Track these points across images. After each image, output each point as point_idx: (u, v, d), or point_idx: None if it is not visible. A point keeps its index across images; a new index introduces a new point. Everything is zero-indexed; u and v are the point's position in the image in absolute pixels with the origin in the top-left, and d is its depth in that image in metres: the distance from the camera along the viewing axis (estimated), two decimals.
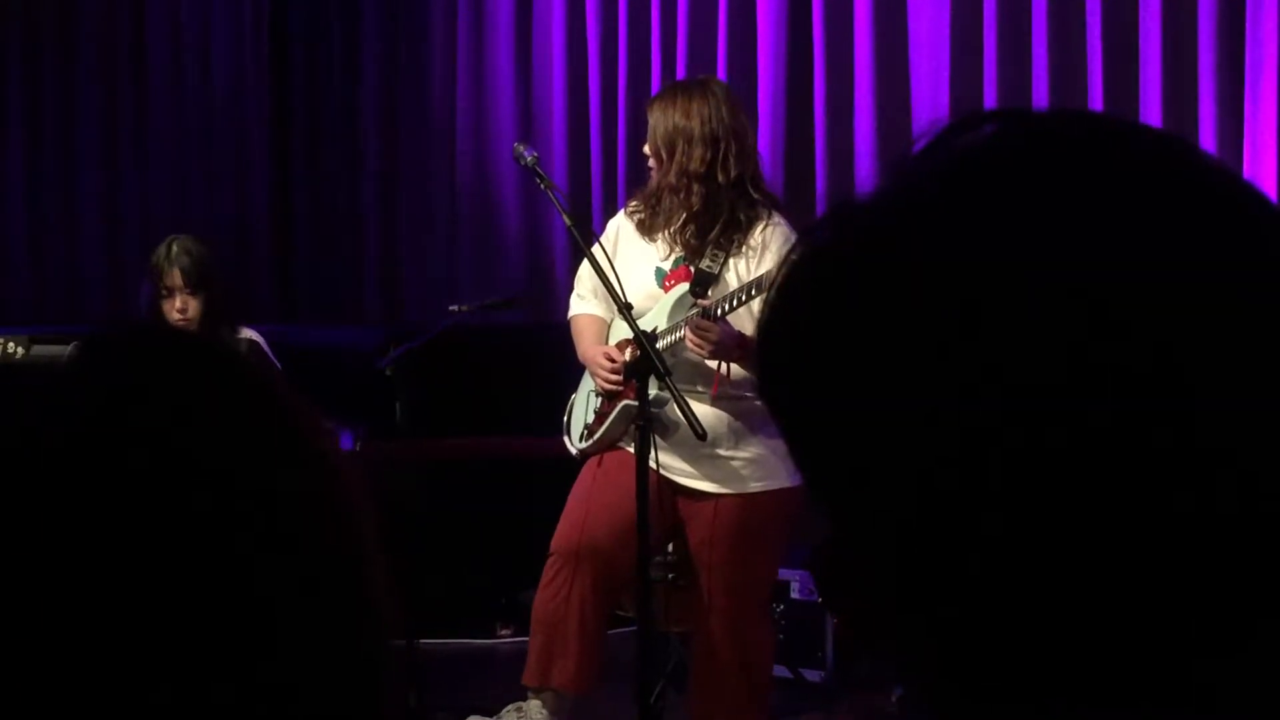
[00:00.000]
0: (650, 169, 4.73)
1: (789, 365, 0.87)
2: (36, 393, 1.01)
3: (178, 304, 5.46)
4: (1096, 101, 6.53)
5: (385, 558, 1.03)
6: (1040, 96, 6.67)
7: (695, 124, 4.60)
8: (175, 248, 5.50)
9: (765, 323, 0.89)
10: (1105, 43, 6.47)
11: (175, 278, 5.46)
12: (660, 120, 4.65)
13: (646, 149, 4.72)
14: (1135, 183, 0.82)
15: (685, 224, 4.64)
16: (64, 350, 3.52)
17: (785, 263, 0.88)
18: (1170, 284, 0.79)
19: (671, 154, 4.62)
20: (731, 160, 4.60)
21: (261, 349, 5.07)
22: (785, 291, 0.88)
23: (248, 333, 5.59)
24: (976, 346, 0.80)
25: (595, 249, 4.56)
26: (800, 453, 0.88)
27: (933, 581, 0.82)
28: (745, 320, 4.54)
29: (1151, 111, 6.31)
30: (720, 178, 4.60)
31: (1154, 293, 0.79)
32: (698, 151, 4.59)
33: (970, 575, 0.81)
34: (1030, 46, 6.70)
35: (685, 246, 4.65)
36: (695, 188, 4.60)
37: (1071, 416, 0.78)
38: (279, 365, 5.38)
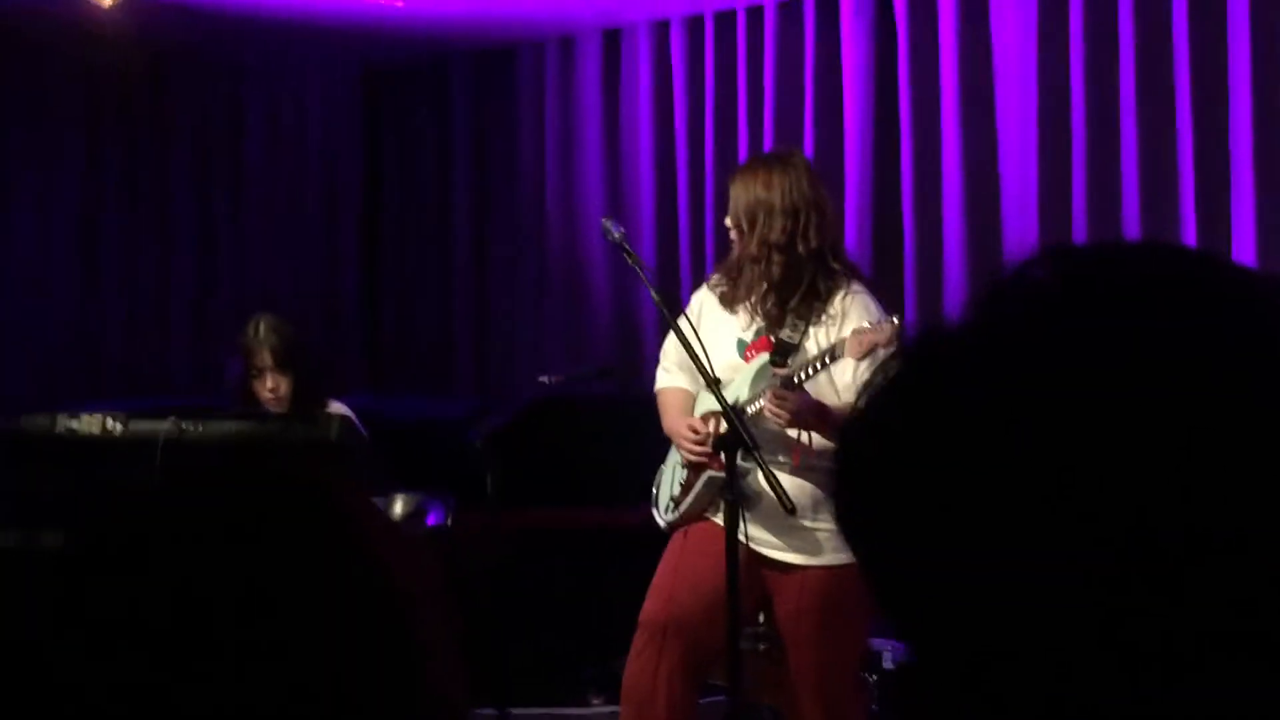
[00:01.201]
0: (733, 241, 4.77)
1: (870, 502, 0.86)
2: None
3: (269, 383, 5.54)
4: (1187, 193, 6.54)
5: (461, 665, 1.06)
6: (1129, 169, 6.67)
7: (776, 196, 4.63)
8: (263, 328, 5.58)
9: (846, 452, 0.88)
10: (1196, 131, 6.50)
11: (265, 358, 5.54)
12: (742, 193, 4.69)
13: (728, 221, 4.75)
14: (1228, 322, 0.82)
15: (766, 294, 4.67)
16: (159, 427, 3.56)
17: (868, 391, 0.88)
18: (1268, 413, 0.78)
19: (753, 225, 4.65)
20: (812, 231, 4.62)
21: (352, 423, 5.13)
22: (868, 424, 0.87)
23: (337, 407, 5.65)
24: (1072, 498, 0.78)
25: (681, 323, 4.60)
26: (877, 585, 0.87)
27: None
28: (825, 388, 4.55)
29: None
30: (800, 248, 4.62)
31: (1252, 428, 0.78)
32: (778, 223, 4.62)
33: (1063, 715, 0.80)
34: (1118, 114, 6.69)
35: (766, 316, 4.67)
36: (776, 258, 4.63)
37: (1166, 570, 0.77)
38: (367, 437, 5.45)
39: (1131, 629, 0.78)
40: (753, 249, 4.65)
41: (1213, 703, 0.77)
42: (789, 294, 4.63)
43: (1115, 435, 0.78)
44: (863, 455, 0.87)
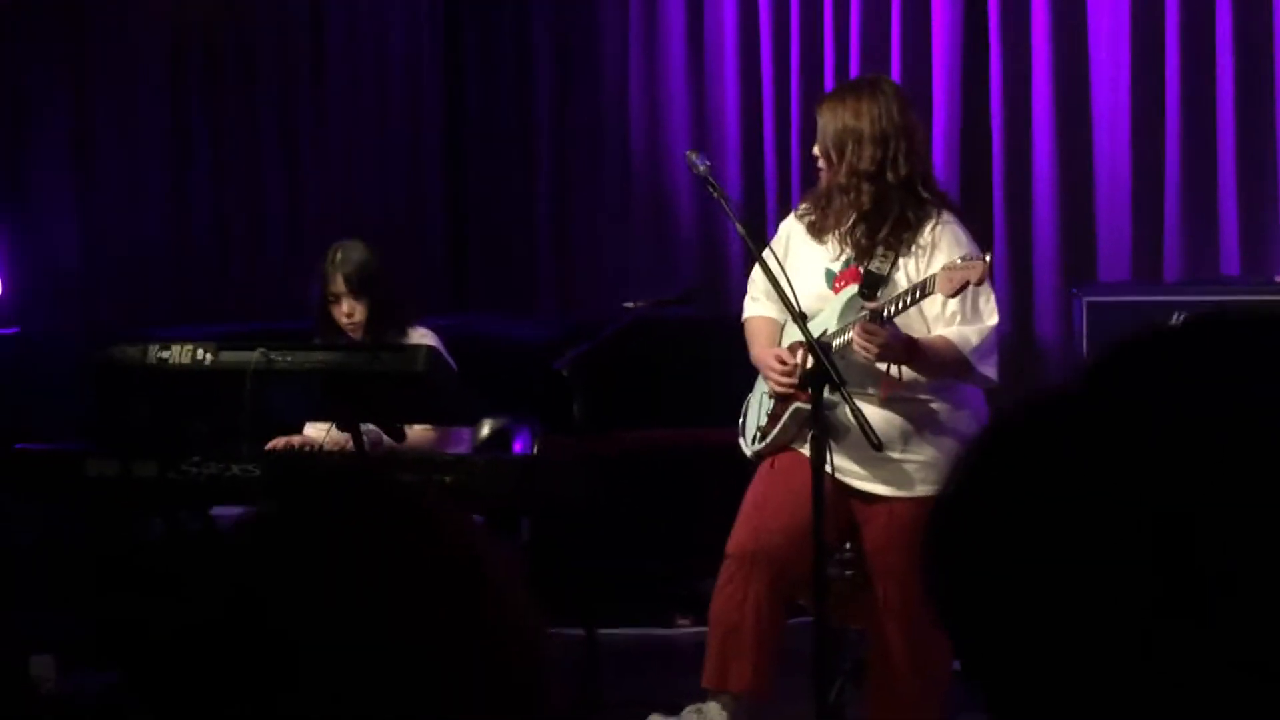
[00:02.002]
0: (820, 170, 4.73)
1: (968, 562, 0.88)
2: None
3: (345, 308, 5.61)
4: None
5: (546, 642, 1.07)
6: (1225, 90, 6.57)
7: (865, 124, 4.58)
8: (340, 254, 5.64)
9: (946, 513, 0.88)
10: None
11: (340, 284, 5.60)
12: (830, 121, 4.65)
13: (816, 150, 4.71)
14: None
15: (855, 224, 4.63)
16: (248, 358, 3.59)
17: (974, 449, 0.88)
18: None
19: (841, 154, 4.61)
20: (901, 159, 4.58)
21: (438, 354, 5.15)
22: (972, 485, 0.88)
23: (421, 331, 5.68)
24: (1176, 564, 0.79)
25: (768, 256, 4.57)
26: (962, 642, 0.88)
27: None
28: (914, 319, 4.53)
29: None
30: (890, 177, 4.58)
31: None
32: (867, 151, 4.57)
33: None
34: (1214, 47, 6.58)
35: (855, 247, 4.63)
36: (865, 187, 4.59)
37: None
38: (454, 365, 5.47)
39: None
40: (841, 178, 4.61)
41: None
42: (878, 224, 4.59)
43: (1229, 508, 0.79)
44: (965, 519, 0.89)
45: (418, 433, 5.54)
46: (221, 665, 0.96)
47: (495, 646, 1.01)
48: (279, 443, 5.55)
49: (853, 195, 4.61)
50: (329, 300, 5.65)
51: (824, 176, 4.70)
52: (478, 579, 1.04)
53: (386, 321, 5.63)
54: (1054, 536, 0.82)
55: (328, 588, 0.98)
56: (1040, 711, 0.84)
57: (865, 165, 4.57)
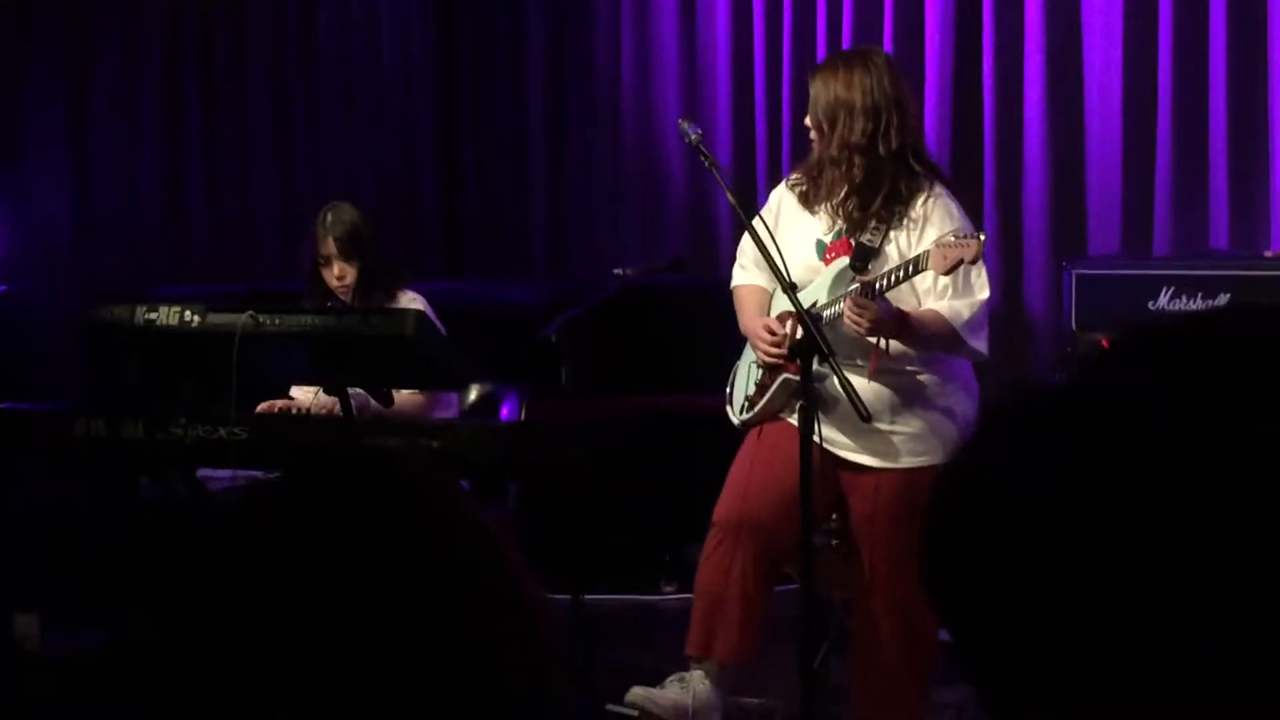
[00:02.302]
0: (812, 141, 4.72)
1: (963, 566, 0.88)
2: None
3: (335, 271, 5.63)
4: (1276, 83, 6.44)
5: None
6: (1217, 63, 6.56)
7: (857, 95, 4.57)
8: (331, 216, 5.65)
9: (938, 514, 0.89)
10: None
11: (330, 246, 5.62)
12: (821, 92, 4.64)
13: (808, 121, 4.71)
14: None
15: (847, 196, 4.63)
16: (236, 320, 3.58)
17: (966, 451, 0.89)
18: None
19: (833, 126, 4.60)
20: (893, 132, 4.57)
21: (426, 318, 5.14)
22: (964, 484, 0.88)
23: (410, 295, 5.68)
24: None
25: (758, 225, 4.57)
26: (953, 621, 0.89)
27: None
28: (905, 292, 4.53)
29: None
30: (882, 149, 4.57)
31: None
32: (859, 123, 4.56)
33: None
34: (1207, 23, 6.58)
35: (846, 219, 4.63)
36: (856, 159, 4.59)
37: None
38: (443, 329, 5.47)
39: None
40: (833, 150, 4.60)
41: None
42: (870, 196, 4.58)
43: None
44: (958, 519, 0.88)
45: (405, 398, 5.54)
46: (226, 638, 0.96)
47: (509, 613, 1.02)
48: (264, 406, 5.55)
49: (844, 167, 4.60)
50: (319, 262, 5.66)
51: (815, 147, 4.69)
52: (483, 546, 1.04)
53: (376, 285, 5.64)
54: (1051, 526, 0.83)
55: (329, 562, 0.98)
56: (1027, 690, 0.85)
57: (856, 138, 4.56)
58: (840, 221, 4.65)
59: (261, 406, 5.53)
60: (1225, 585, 0.78)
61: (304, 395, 5.59)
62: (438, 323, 5.46)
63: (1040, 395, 0.87)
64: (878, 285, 4.46)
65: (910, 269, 4.42)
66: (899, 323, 4.46)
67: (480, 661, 0.98)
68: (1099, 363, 0.86)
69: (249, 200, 8.39)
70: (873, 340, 4.51)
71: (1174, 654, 0.79)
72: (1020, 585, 0.83)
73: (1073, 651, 0.82)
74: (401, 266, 5.90)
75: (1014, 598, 0.84)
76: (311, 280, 5.70)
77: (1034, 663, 0.84)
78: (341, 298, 5.64)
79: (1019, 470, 0.84)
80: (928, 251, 4.40)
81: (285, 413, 5.50)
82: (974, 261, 4.37)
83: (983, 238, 4.42)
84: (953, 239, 4.39)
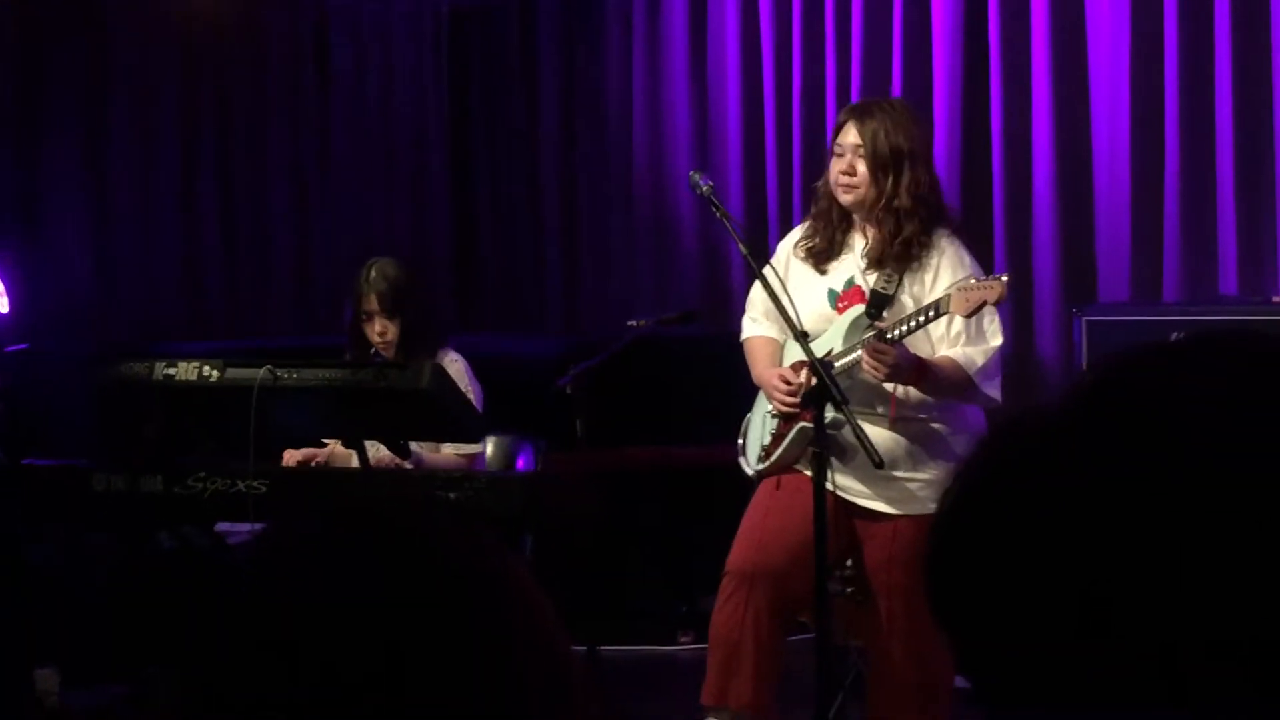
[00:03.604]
0: (819, 186, 4.76)
1: (968, 591, 0.89)
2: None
3: (377, 327, 5.54)
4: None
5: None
6: (1224, 110, 6.60)
7: (918, 146, 4.61)
8: (374, 272, 5.56)
9: (942, 540, 0.90)
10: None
11: (373, 302, 5.52)
12: (881, 138, 4.60)
13: (855, 164, 4.63)
14: None
15: (868, 244, 4.66)
16: (254, 374, 3.62)
17: (965, 475, 0.90)
18: None
19: (892, 172, 4.59)
20: (906, 179, 4.60)
21: (441, 370, 5.15)
22: (970, 499, 0.90)
23: (451, 355, 5.60)
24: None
25: (769, 274, 4.59)
26: (963, 653, 0.90)
27: None
28: (919, 339, 4.55)
29: None
30: (896, 198, 4.60)
31: None
32: (920, 175, 4.60)
33: None
34: (1213, 54, 6.61)
35: (871, 264, 4.65)
36: (894, 206, 4.60)
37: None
38: (481, 391, 5.48)
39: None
40: (889, 197, 4.59)
41: None
42: (889, 244, 4.61)
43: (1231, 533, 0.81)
44: (962, 543, 0.90)
45: (447, 456, 5.55)
46: (255, 690, 0.97)
47: (537, 661, 1.03)
48: (296, 455, 5.51)
49: (879, 215, 4.61)
50: (361, 318, 5.58)
51: (839, 193, 4.65)
52: (512, 591, 1.05)
53: (418, 342, 5.53)
54: (1049, 551, 0.84)
55: (351, 609, 1.00)
56: (1025, 688, 0.86)
57: (919, 188, 4.57)
58: (853, 269, 4.67)
59: (292, 455, 5.50)
60: (1237, 596, 0.80)
61: (337, 444, 5.54)
62: (476, 383, 5.46)
63: (1042, 413, 0.89)
64: (895, 332, 4.48)
65: (930, 314, 4.45)
66: (917, 369, 4.48)
67: (512, 711, 1.00)
68: (1090, 389, 0.87)
69: (265, 256, 8.44)
70: (889, 387, 4.53)
71: (1187, 665, 0.81)
72: (1028, 590, 0.85)
73: (1077, 654, 0.83)
74: (444, 324, 5.84)
75: (1020, 601, 0.85)
76: (353, 336, 5.61)
77: (1034, 662, 0.85)
78: (384, 354, 5.55)
79: (1017, 498, 0.86)
80: (948, 295, 4.41)
81: (304, 466, 5.50)
82: (997, 303, 4.39)
83: (1005, 279, 4.44)
84: (974, 281, 4.41)
